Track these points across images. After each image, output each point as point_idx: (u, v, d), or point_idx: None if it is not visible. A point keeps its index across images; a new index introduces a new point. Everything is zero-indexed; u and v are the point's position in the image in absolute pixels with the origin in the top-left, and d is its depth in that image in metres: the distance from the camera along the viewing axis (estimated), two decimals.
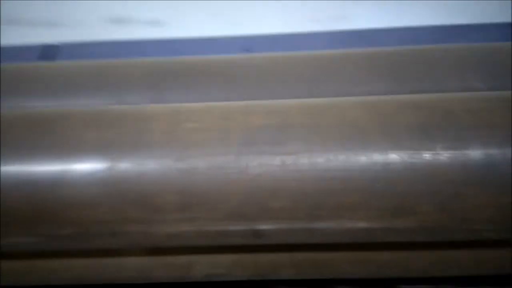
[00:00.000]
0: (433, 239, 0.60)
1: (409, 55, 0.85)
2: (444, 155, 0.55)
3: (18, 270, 0.68)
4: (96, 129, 0.56)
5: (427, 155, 0.55)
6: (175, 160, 0.55)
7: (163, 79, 0.77)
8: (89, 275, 0.73)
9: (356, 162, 0.55)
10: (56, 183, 0.53)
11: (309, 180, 0.55)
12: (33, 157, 0.53)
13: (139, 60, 0.81)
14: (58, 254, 0.66)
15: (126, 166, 0.54)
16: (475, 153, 0.55)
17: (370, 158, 0.55)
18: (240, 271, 0.74)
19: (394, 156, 0.56)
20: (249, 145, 0.56)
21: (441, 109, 0.59)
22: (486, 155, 0.55)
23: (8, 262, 0.66)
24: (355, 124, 0.58)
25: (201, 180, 0.55)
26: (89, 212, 0.54)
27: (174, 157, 0.55)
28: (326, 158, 0.56)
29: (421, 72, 0.80)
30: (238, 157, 0.55)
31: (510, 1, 1.05)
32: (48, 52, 0.94)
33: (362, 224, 0.57)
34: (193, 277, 0.75)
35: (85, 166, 0.54)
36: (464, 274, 0.72)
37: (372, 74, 0.80)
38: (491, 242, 0.66)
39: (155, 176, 0.54)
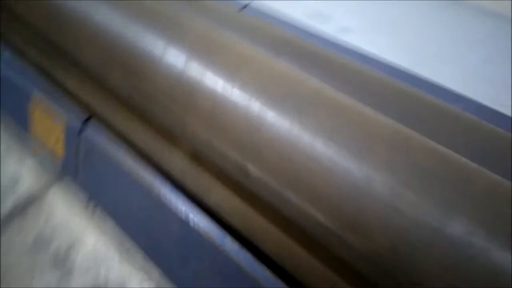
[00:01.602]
0: (368, 274, 0.58)
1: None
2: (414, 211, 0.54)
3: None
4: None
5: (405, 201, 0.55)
6: (223, 86, 0.69)
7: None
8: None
9: (346, 169, 0.59)
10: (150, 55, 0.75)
11: (302, 156, 0.62)
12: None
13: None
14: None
15: (192, 71, 0.72)
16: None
17: (363, 171, 0.58)
18: (238, 219, 0.84)
19: (378, 184, 0.57)
20: (274, 108, 0.66)
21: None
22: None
23: None
24: (373, 141, 0.61)
25: (229, 107, 0.68)
26: (160, 84, 0.74)
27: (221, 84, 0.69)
28: (325, 145, 0.61)
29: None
30: (261, 111, 0.66)
31: None
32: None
33: (321, 217, 0.60)
34: (209, 201, 0.89)
35: (170, 58, 0.74)
36: None
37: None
38: None
39: (207, 86, 0.70)
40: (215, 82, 0.68)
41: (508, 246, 0.48)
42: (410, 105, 0.77)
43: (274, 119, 0.63)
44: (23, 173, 1.72)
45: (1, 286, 1.48)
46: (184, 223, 0.90)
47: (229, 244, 0.85)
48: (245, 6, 1.14)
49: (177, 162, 0.89)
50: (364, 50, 1.24)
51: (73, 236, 1.61)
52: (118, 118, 0.94)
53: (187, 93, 0.70)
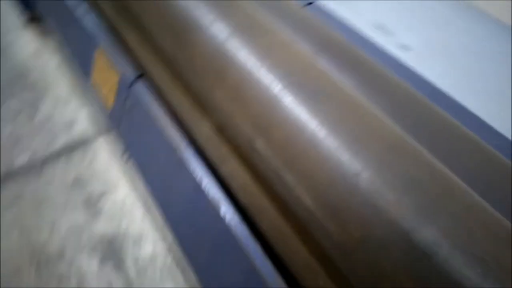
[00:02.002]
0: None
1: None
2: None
3: None
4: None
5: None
6: (252, 65, 0.75)
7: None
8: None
9: (340, 161, 0.62)
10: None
11: (305, 141, 0.66)
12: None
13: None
14: None
15: (230, 45, 0.78)
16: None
17: (354, 166, 0.61)
18: (243, 194, 0.89)
19: (364, 181, 0.60)
20: (291, 93, 0.71)
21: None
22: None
23: None
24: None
25: (253, 85, 0.73)
26: (200, 51, 0.81)
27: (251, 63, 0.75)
28: (326, 136, 0.65)
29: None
30: (279, 94, 0.71)
31: None
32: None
33: (309, 201, 0.64)
34: (223, 171, 0.95)
35: (214, 31, 0.81)
36: None
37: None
38: None
39: (239, 62, 0.76)
40: (247, 60, 0.74)
41: (466, 264, 0.49)
42: (431, 124, 0.78)
43: (288, 103, 0.68)
44: (79, 118, 1.89)
45: (36, 212, 1.64)
46: (197, 187, 0.97)
47: (231, 216, 0.91)
48: (309, 3, 1.19)
49: (204, 130, 0.96)
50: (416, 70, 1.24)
51: (107, 185, 1.75)
52: (164, 80, 1.03)
53: (221, 65, 0.76)
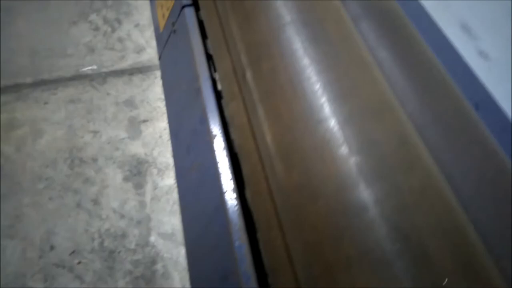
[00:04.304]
0: None
1: None
2: None
3: None
4: None
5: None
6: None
7: None
8: None
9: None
10: None
11: (287, 80, 0.61)
12: None
13: None
14: None
15: None
16: None
17: (323, 119, 0.56)
18: (239, 137, 0.87)
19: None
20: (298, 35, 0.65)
21: None
22: None
23: None
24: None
25: (261, 17, 0.69)
26: None
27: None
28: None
29: None
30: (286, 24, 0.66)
31: None
32: None
33: (269, 139, 0.60)
34: (228, 110, 0.93)
35: None
36: None
37: None
38: None
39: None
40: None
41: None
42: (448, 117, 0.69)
43: (285, 38, 0.63)
44: (150, 47, 1.97)
45: (86, 118, 1.76)
46: (203, 119, 0.96)
47: (220, 155, 0.89)
48: None
49: (224, 66, 0.95)
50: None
51: (153, 113, 1.82)
52: (208, 11, 1.03)
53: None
